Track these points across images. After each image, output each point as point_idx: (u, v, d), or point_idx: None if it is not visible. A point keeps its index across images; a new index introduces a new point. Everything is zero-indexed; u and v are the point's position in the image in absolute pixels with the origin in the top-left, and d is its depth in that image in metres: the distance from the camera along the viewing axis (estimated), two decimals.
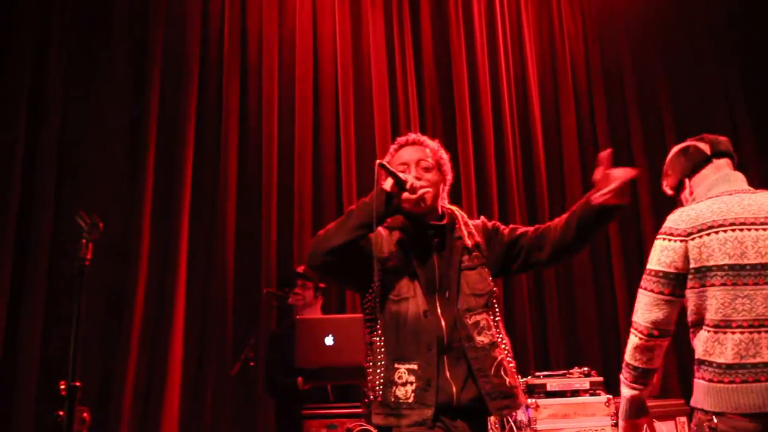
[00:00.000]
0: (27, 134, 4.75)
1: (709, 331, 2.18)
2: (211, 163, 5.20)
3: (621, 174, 2.13)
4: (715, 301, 2.17)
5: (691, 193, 2.41)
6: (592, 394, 3.67)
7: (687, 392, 5.22)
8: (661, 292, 2.24)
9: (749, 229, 2.20)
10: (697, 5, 6.34)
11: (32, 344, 4.43)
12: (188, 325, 4.81)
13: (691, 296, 2.23)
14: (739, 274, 2.16)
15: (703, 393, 2.18)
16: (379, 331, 2.22)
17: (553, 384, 3.68)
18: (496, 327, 2.28)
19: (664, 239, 2.28)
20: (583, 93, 6.12)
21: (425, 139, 2.44)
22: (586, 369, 3.79)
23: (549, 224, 2.35)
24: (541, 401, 3.61)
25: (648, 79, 6.25)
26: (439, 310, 2.21)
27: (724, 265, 2.17)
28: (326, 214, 5.29)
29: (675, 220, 2.30)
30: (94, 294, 4.44)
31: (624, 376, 2.35)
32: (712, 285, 2.18)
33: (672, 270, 2.24)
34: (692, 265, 2.22)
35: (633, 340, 2.30)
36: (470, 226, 2.38)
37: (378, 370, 2.18)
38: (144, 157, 4.95)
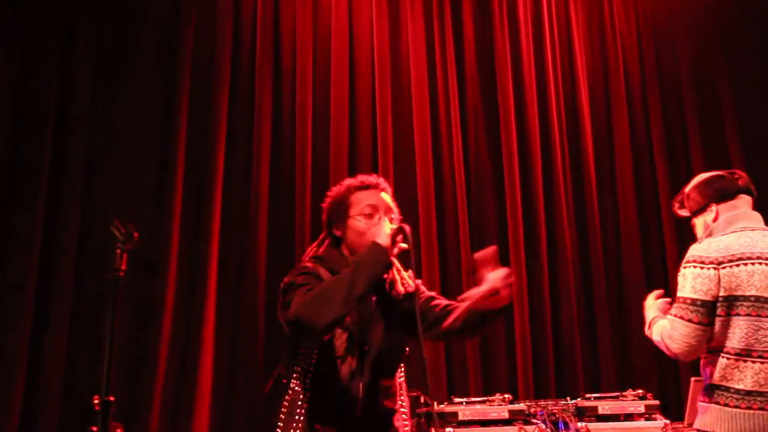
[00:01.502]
0: (55, 141, 4.87)
1: (729, 359, 2.41)
2: (242, 170, 5.25)
3: (496, 277, 2.25)
4: (739, 330, 2.40)
5: (715, 219, 2.62)
6: (647, 419, 3.62)
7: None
8: (700, 322, 2.43)
9: None
10: (765, 3, 6.23)
11: (58, 357, 4.53)
12: (219, 340, 4.86)
13: (715, 323, 2.43)
14: (764, 306, 2.39)
15: (716, 417, 2.40)
16: (306, 386, 2.22)
17: (605, 407, 3.63)
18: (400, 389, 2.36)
19: (695, 267, 2.47)
20: (637, 98, 6.06)
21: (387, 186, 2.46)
22: (641, 391, 3.74)
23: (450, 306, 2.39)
24: (592, 425, 3.57)
25: (709, 84, 6.16)
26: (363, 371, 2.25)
27: (750, 296, 2.40)
28: None
29: (705, 249, 2.50)
30: (121, 307, 4.50)
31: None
32: (737, 314, 2.40)
33: (709, 298, 2.43)
34: (722, 294, 2.41)
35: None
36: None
37: (294, 425, 2.19)
38: (174, 165, 5.03)
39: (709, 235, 2.61)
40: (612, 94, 6.01)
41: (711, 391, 2.45)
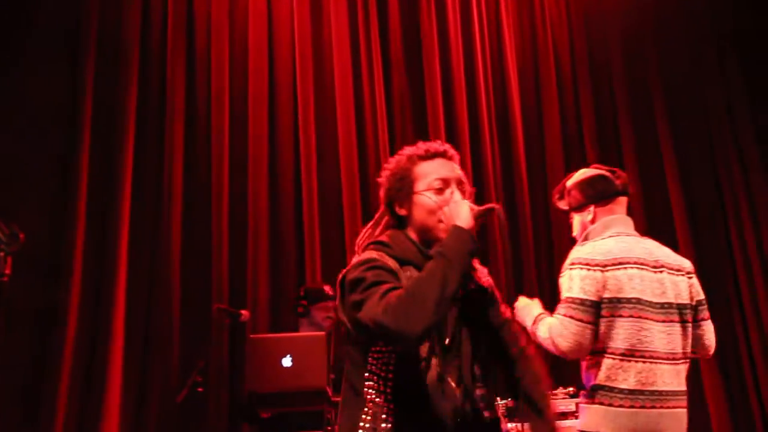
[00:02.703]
0: None
1: (614, 359, 2.56)
2: (153, 165, 5.08)
3: None
4: (623, 331, 2.56)
5: (593, 221, 2.79)
6: (578, 417, 3.61)
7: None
8: (589, 321, 2.57)
9: (648, 270, 2.63)
10: None
11: None
12: (128, 348, 4.67)
13: (599, 324, 2.59)
14: (643, 308, 2.57)
15: (601, 417, 2.55)
16: (388, 396, 1.96)
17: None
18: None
19: (582, 269, 2.61)
20: (568, 86, 6.13)
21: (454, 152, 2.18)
22: (572, 389, 3.72)
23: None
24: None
25: (640, 72, 6.26)
26: (452, 376, 2.01)
27: (632, 298, 2.57)
28: (283, 221, 5.21)
29: (589, 252, 2.65)
30: (18, 316, 4.29)
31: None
32: (620, 316, 2.57)
33: (596, 299, 2.57)
34: (606, 295, 2.57)
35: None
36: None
37: None
38: (77, 160, 4.81)
39: (587, 237, 2.78)
40: (542, 82, 6.05)
41: (595, 391, 2.59)
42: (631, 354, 2.55)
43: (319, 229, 5.19)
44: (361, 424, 1.94)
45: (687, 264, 2.78)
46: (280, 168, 5.32)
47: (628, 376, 2.54)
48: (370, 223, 2.22)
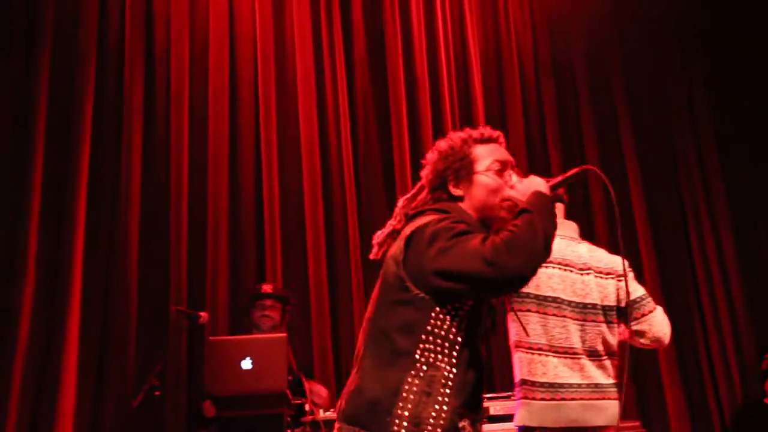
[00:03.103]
0: None
1: (533, 354, 2.74)
2: (110, 165, 5.00)
3: None
4: (540, 327, 2.74)
5: None
6: None
7: (645, 416, 5.38)
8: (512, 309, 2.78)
9: (571, 271, 2.81)
10: None
11: None
12: (83, 351, 4.59)
13: (514, 319, 2.79)
14: (560, 306, 2.75)
15: (526, 410, 2.71)
16: (453, 359, 1.92)
17: (496, 407, 3.58)
18: None
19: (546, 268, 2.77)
20: (531, 87, 6.16)
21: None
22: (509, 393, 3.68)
23: None
24: (485, 426, 3.55)
25: (602, 72, 6.34)
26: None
27: (548, 296, 2.75)
28: (244, 221, 5.17)
29: None
30: None
31: None
32: (537, 312, 2.75)
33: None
34: (524, 289, 2.72)
35: None
36: None
37: (436, 407, 1.87)
38: (31, 161, 4.72)
39: None
40: (505, 83, 6.08)
41: (521, 386, 2.77)
42: (548, 349, 2.73)
43: (280, 230, 5.17)
44: (407, 387, 1.87)
45: (619, 266, 2.88)
46: (241, 168, 5.29)
47: (546, 371, 2.71)
48: (407, 196, 2.24)
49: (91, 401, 4.59)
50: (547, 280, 2.77)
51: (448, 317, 1.92)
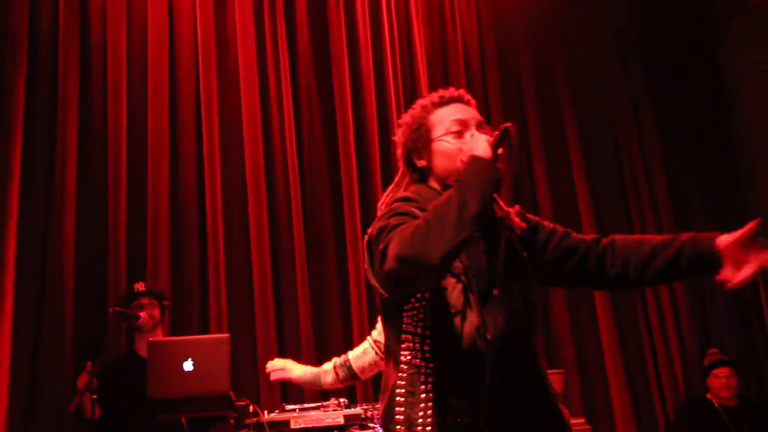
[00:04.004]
0: None
1: None
2: (44, 158, 4.89)
3: (760, 259, 1.83)
4: None
5: None
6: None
7: (590, 413, 5.49)
8: None
9: None
10: None
11: None
12: (16, 353, 4.48)
13: None
14: None
15: None
16: (426, 354, 1.88)
17: (299, 421, 3.41)
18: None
19: None
20: (477, 85, 6.21)
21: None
22: (344, 400, 3.59)
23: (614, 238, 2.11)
24: None
25: (547, 69, 6.46)
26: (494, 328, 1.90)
27: None
28: (185, 219, 5.10)
29: None
30: None
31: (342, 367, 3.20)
32: None
33: None
34: None
35: (373, 356, 3.07)
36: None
37: (421, 405, 1.85)
38: None
39: None
40: (451, 78, 6.10)
41: None
42: None
43: (222, 226, 5.11)
44: (398, 390, 1.88)
45: None
46: (182, 163, 5.21)
47: None
48: (391, 186, 2.17)
49: (23, 404, 4.48)
50: None
51: (413, 312, 1.90)
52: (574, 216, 6.02)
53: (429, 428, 1.83)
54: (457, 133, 2.00)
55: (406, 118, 2.12)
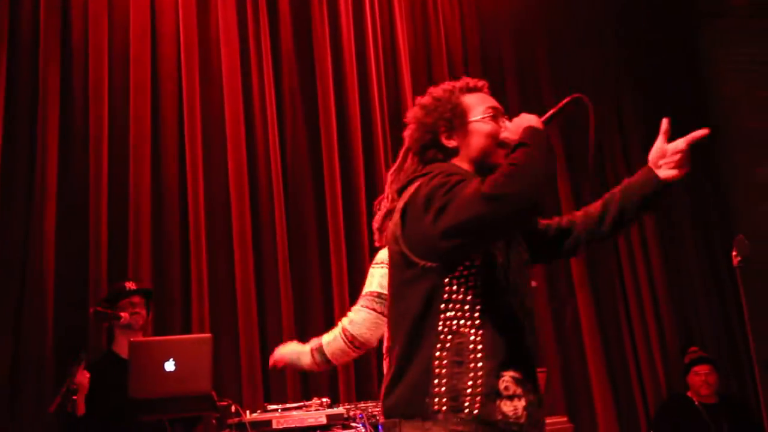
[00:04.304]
0: None
1: None
2: (25, 158, 4.86)
3: (683, 140, 2.19)
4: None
5: None
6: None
7: (572, 411, 5.54)
8: (381, 312, 2.93)
9: None
10: None
11: None
12: None
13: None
14: None
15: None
16: (476, 321, 1.88)
17: (281, 421, 3.40)
18: None
19: (383, 268, 2.95)
20: (460, 75, 6.22)
21: None
22: (326, 399, 3.61)
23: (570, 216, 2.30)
24: None
25: (530, 67, 6.51)
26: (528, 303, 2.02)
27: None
28: (168, 220, 5.09)
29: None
30: None
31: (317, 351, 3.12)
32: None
33: None
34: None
35: (341, 344, 3.05)
36: None
37: (470, 374, 1.84)
38: None
39: None
40: (435, 77, 6.11)
41: None
42: None
43: (205, 228, 5.11)
44: (436, 362, 1.85)
45: None
46: (164, 162, 5.19)
47: None
48: (393, 168, 2.19)
49: (4, 404, 4.46)
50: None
51: (462, 280, 1.90)
52: (554, 210, 6.05)
53: (478, 398, 1.82)
54: (492, 117, 2.11)
55: (428, 99, 2.16)
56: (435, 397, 1.82)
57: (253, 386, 4.82)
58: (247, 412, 3.59)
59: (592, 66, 6.63)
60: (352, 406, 3.61)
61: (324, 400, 3.61)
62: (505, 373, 1.85)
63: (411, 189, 1.96)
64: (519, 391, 1.86)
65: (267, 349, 5.01)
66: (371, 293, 3.02)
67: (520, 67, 6.47)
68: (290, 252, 5.29)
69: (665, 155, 2.18)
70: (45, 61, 5.01)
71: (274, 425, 3.42)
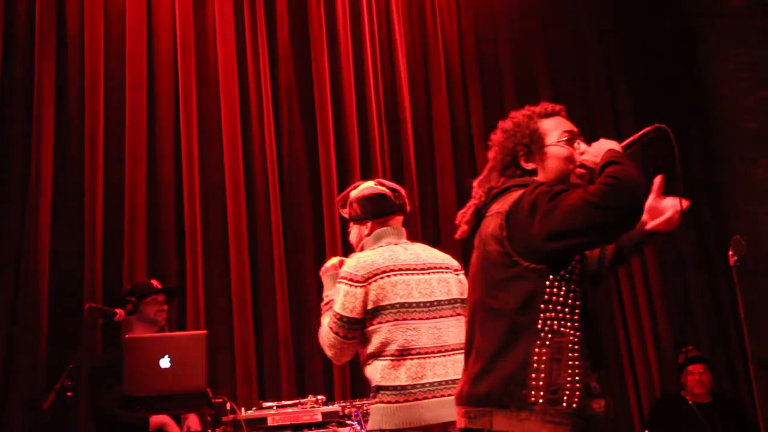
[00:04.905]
0: None
1: (386, 360, 2.85)
2: (20, 154, 4.88)
3: (674, 203, 2.27)
4: (390, 335, 2.85)
5: (368, 234, 3.11)
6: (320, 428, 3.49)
7: None
8: (344, 336, 2.89)
9: (413, 274, 2.95)
10: None
11: None
12: None
13: (369, 333, 2.88)
14: (407, 310, 2.88)
15: (381, 415, 2.81)
16: (575, 323, 2.03)
17: (276, 418, 3.46)
18: None
19: (347, 284, 2.91)
20: (457, 78, 6.25)
21: None
22: (321, 397, 3.67)
23: None
24: None
25: (527, 66, 6.51)
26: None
27: (396, 303, 2.88)
28: (162, 215, 5.10)
29: (354, 266, 2.94)
30: None
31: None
32: (387, 321, 2.86)
33: (354, 315, 2.87)
34: (370, 307, 2.87)
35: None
36: None
37: (569, 371, 1.99)
38: None
39: (362, 247, 3.09)
40: (431, 75, 6.14)
41: (375, 392, 2.87)
42: (400, 354, 2.84)
43: (200, 224, 5.11)
44: (536, 357, 1.98)
45: (454, 263, 3.14)
46: (160, 160, 5.20)
47: (399, 374, 2.82)
48: (480, 177, 2.33)
49: None
50: (392, 289, 2.89)
51: (563, 282, 2.05)
52: None
53: (577, 393, 1.96)
54: (568, 141, 2.25)
55: (509, 124, 2.32)
56: (532, 390, 1.96)
57: (248, 383, 4.83)
58: (242, 409, 3.60)
59: (590, 66, 6.65)
60: (348, 403, 3.63)
61: (319, 397, 3.63)
62: (594, 374, 2.04)
63: (511, 195, 2.12)
64: (602, 391, 2.05)
65: (262, 347, 5.05)
66: (335, 313, 2.93)
67: (516, 66, 6.47)
68: (286, 249, 5.30)
69: (655, 215, 2.27)
70: (40, 56, 5.01)
71: (270, 422, 3.44)
